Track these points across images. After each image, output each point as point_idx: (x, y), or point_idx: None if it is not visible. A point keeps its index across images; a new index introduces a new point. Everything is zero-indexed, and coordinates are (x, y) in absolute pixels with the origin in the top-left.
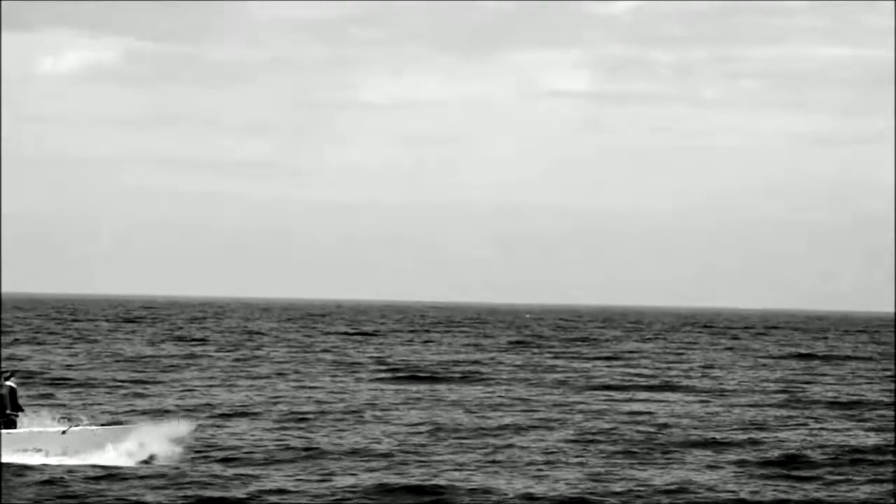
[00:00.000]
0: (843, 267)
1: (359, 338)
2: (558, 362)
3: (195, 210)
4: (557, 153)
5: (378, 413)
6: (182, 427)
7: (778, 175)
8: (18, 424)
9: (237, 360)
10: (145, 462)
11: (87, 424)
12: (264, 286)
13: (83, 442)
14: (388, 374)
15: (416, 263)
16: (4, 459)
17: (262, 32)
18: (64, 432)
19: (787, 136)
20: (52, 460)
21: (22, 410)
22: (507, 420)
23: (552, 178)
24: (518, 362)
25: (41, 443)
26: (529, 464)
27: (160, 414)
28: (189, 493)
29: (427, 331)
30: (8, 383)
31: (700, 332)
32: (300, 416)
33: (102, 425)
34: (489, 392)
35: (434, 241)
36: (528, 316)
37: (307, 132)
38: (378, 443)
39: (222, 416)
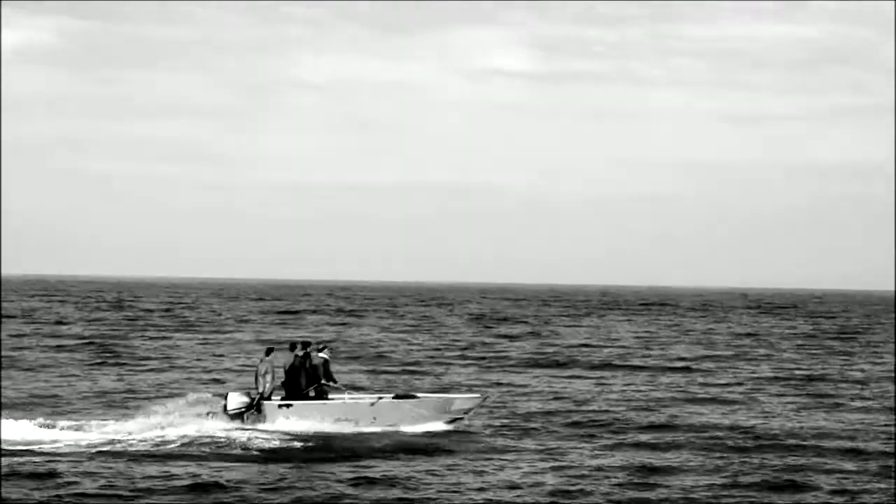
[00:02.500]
0: (780, 244)
1: (288, 317)
2: (501, 341)
3: (131, 190)
4: (494, 132)
5: None
6: (473, 398)
7: (714, 153)
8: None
9: (151, 338)
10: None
11: (391, 396)
12: (199, 267)
13: (391, 412)
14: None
15: (356, 243)
16: (320, 428)
17: (196, 12)
18: (373, 403)
19: (724, 115)
20: (363, 429)
21: (335, 381)
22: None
23: (489, 156)
24: (463, 343)
25: (353, 413)
26: (478, 449)
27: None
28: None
29: (367, 310)
30: (321, 355)
31: (636, 310)
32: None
33: (401, 396)
34: (437, 375)
35: (373, 220)
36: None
37: (242, 112)
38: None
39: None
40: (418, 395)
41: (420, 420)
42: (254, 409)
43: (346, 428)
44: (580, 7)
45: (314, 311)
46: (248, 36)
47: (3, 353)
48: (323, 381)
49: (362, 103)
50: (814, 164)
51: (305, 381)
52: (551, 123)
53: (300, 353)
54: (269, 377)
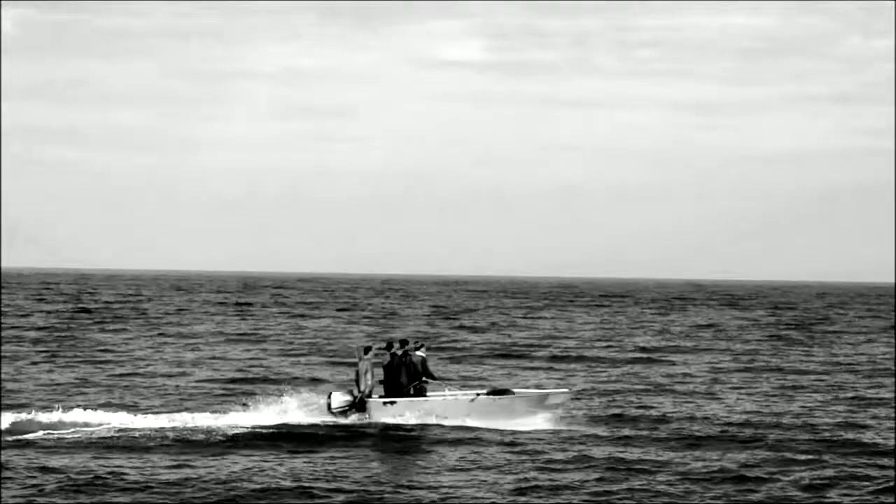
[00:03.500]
0: (740, 235)
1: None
2: (462, 333)
3: (81, 180)
4: (449, 124)
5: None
6: (564, 392)
7: (671, 145)
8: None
9: (112, 331)
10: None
11: (485, 392)
12: (146, 257)
13: (489, 408)
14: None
15: (305, 232)
16: (421, 424)
17: (148, 1)
18: (472, 400)
19: (681, 105)
20: (463, 425)
21: (434, 378)
22: None
23: (443, 149)
24: (425, 335)
25: (453, 409)
26: (444, 442)
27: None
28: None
29: (327, 302)
30: (419, 352)
31: (598, 301)
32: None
33: (498, 392)
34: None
35: (323, 211)
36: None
37: (193, 102)
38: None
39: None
40: (514, 390)
41: (516, 415)
42: (356, 406)
43: (447, 423)
44: None
45: (275, 303)
46: (199, 25)
47: None
48: (423, 378)
49: (314, 94)
50: (773, 155)
51: (406, 378)
52: (506, 115)
53: (399, 351)
54: (369, 375)
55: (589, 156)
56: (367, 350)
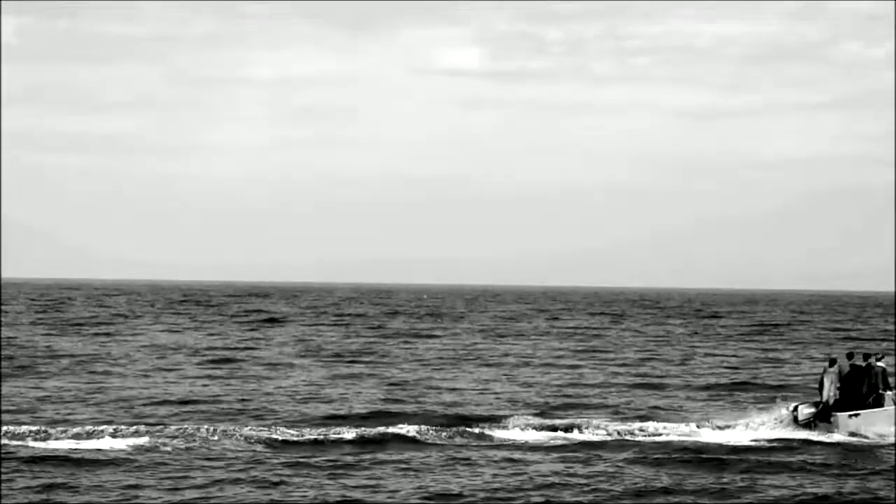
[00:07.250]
0: (727, 242)
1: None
2: (478, 342)
3: (80, 185)
4: (446, 130)
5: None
6: None
7: (664, 149)
8: (885, 402)
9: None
10: None
11: None
12: (144, 265)
13: None
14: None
15: (301, 238)
16: (885, 434)
17: (146, 7)
18: None
19: (675, 111)
20: None
21: (891, 389)
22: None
23: (440, 154)
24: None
25: None
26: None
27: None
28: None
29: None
30: (880, 364)
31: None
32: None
33: None
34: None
35: (319, 215)
36: (425, 297)
37: (193, 107)
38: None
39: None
40: None
41: None
42: (819, 416)
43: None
44: (535, 6)
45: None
46: (199, 31)
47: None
48: (881, 390)
49: (312, 99)
50: (770, 160)
51: (867, 388)
52: (503, 121)
53: (861, 363)
54: (833, 387)
55: (585, 161)
56: (832, 363)
